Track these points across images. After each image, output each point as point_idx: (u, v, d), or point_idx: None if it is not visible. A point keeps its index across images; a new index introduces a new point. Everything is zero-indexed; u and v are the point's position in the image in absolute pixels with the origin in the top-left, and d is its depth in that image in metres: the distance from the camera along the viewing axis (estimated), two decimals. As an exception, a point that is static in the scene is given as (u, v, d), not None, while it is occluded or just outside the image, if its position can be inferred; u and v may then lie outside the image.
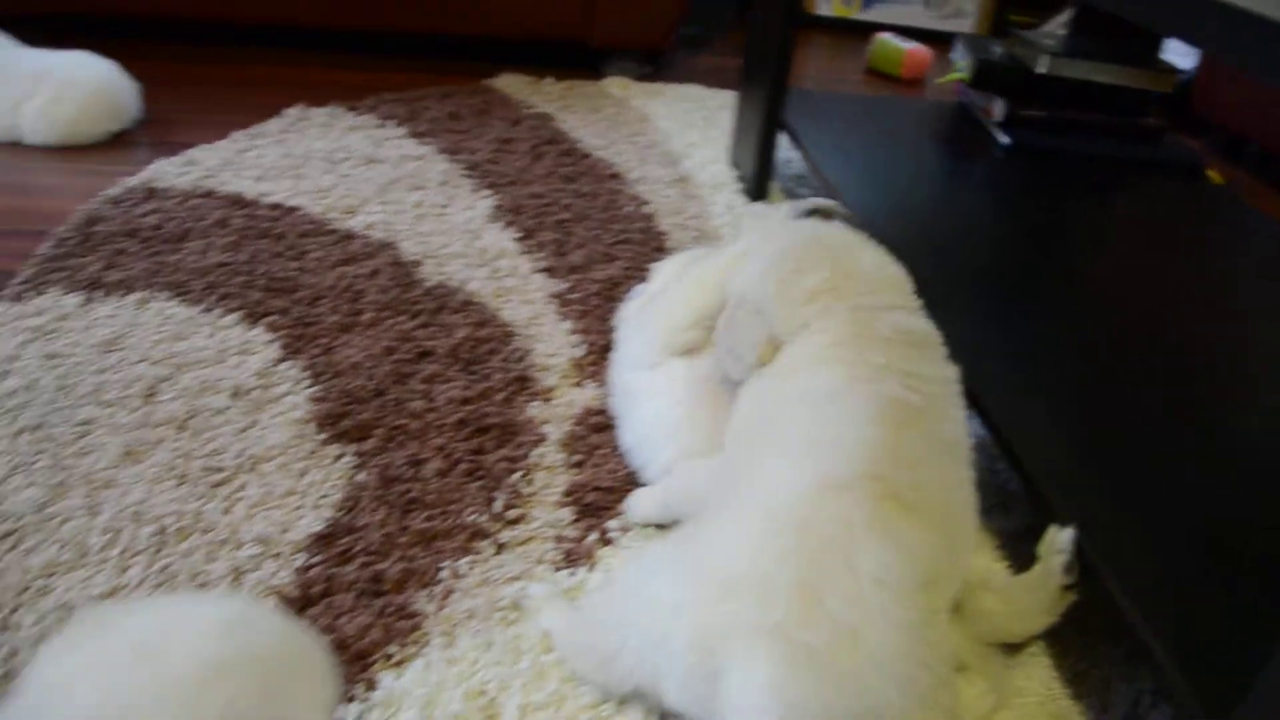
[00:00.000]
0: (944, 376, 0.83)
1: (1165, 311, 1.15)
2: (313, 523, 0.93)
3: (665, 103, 2.13)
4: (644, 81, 2.26)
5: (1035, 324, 1.09)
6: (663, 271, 1.20)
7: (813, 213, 1.13)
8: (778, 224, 1.04)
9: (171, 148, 1.67)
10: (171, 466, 0.98)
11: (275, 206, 1.49)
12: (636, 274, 1.37)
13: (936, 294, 1.08)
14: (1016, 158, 1.57)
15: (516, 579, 0.89)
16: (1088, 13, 1.73)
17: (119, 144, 1.71)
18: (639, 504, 0.97)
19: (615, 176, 1.72)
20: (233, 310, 1.23)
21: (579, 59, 2.29)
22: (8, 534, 0.89)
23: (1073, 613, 0.82)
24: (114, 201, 1.46)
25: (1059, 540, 0.80)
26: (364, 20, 2.15)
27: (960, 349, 0.91)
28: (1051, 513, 0.83)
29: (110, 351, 1.13)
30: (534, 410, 1.11)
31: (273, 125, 1.80)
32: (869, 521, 0.70)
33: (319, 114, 1.87)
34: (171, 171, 1.58)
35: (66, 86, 1.66)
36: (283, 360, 1.15)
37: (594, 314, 1.29)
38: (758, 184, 1.68)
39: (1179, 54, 2.30)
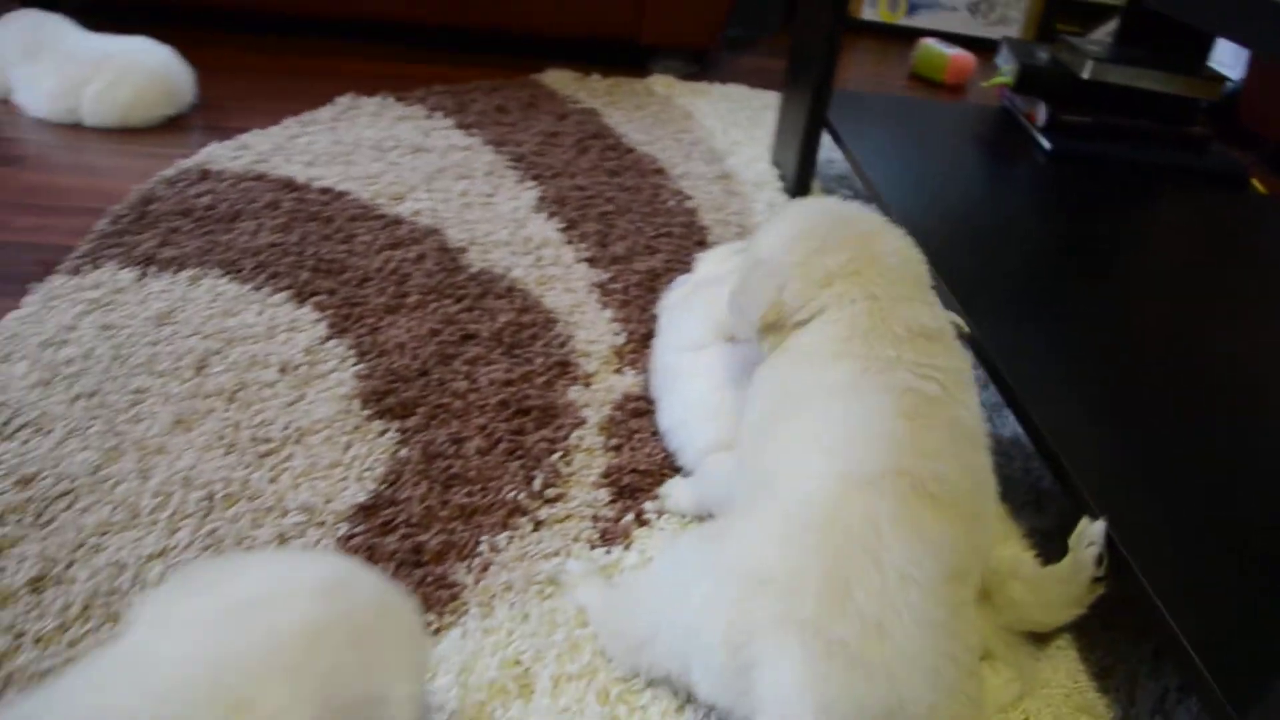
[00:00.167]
0: (957, 367, 0.83)
1: (1203, 318, 1.16)
2: (356, 494, 0.96)
3: (710, 101, 2.14)
4: (689, 80, 2.27)
5: (1071, 326, 1.09)
6: (706, 261, 1.22)
7: None
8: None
9: (225, 132, 1.71)
10: (220, 435, 1.01)
11: (325, 191, 1.52)
12: (678, 266, 1.38)
13: (973, 293, 1.10)
14: (1058, 163, 1.57)
15: (554, 555, 0.91)
16: (1135, 20, 1.73)
17: (174, 128, 1.75)
18: (675, 495, 0.99)
19: (659, 171, 1.73)
20: (282, 289, 1.26)
21: (625, 57, 2.31)
22: (63, 494, 0.92)
23: (1100, 609, 0.83)
24: (169, 182, 1.50)
25: (1090, 532, 0.80)
26: (415, 14, 2.19)
27: (997, 348, 0.92)
28: (1084, 508, 0.83)
29: (163, 325, 1.17)
30: (574, 394, 1.13)
31: (324, 113, 1.83)
32: (894, 517, 0.71)
33: (369, 103, 1.90)
34: (225, 155, 1.61)
35: (126, 71, 1.71)
36: (329, 338, 1.17)
37: (635, 304, 1.31)
38: (799, 183, 1.70)
39: (1227, 66, 2.29)
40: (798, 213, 0.96)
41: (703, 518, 0.96)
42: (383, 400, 1.08)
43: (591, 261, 1.41)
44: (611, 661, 0.81)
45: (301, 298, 1.24)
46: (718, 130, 1.97)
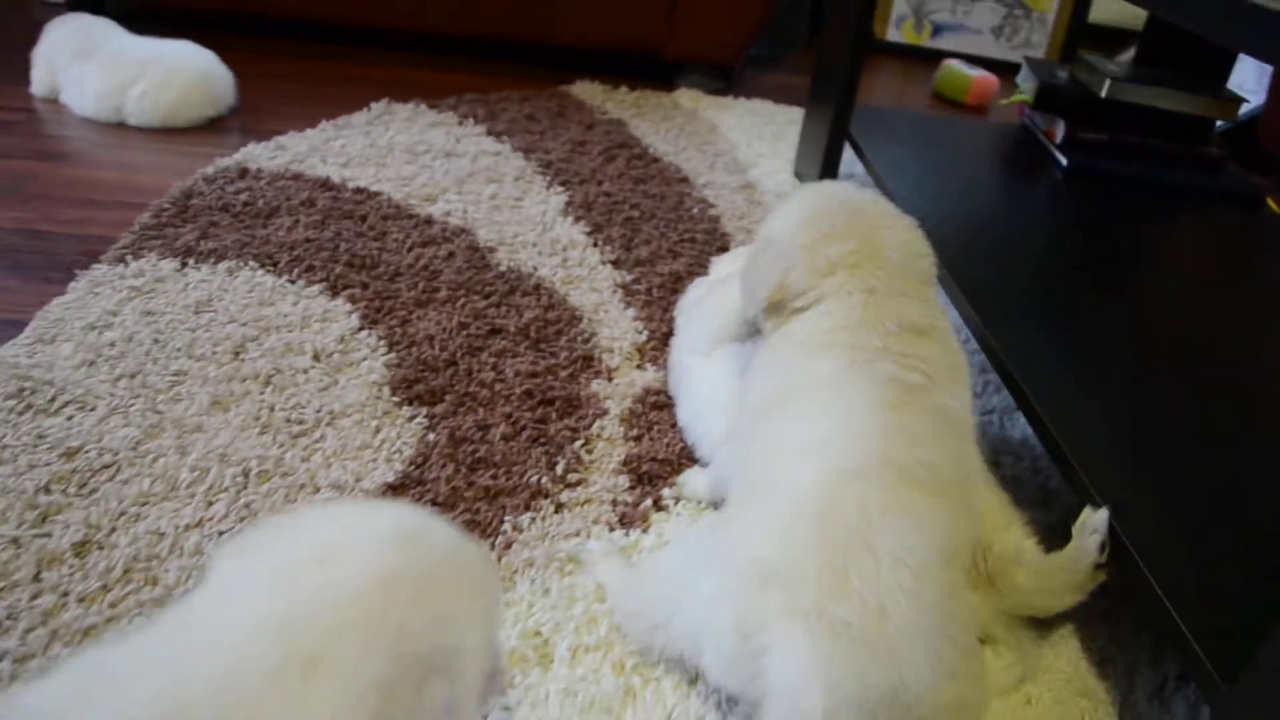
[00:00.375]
0: (947, 361, 0.86)
1: (1212, 330, 1.18)
2: (385, 474, 0.99)
3: (735, 115, 2.18)
4: (714, 95, 2.32)
5: (1081, 333, 1.12)
6: (721, 264, 1.26)
7: None
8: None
9: (263, 134, 1.76)
10: (256, 416, 1.05)
11: (359, 190, 1.57)
12: (700, 270, 1.42)
13: (988, 301, 1.13)
14: (1075, 179, 1.60)
15: (574, 535, 0.95)
16: (1153, 42, 1.76)
17: (214, 129, 1.81)
18: (692, 484, 1.03)
19: (683, 180, 1.77)
20: (316, 281, 1.30)
21: (652, 71, 2.36)
22: (106, 466, 0.96)
23: (1101, 601, 0.85)
24: (208, 179, 1.55)
25: (1093, 520, 0.83)
26: (449, 25, 2.24)
27: (1009, 353, 0.95)
28: (1088, 499, 0.86)
29: (202, 312, 1.21)
30: (597, 387, 1.17)
31: (358, 118, 1.88)
32: (884, 505, 0.74)
33: (402, 109, 1.95)
34: (262, 155, 1.66)
35: (170, 74, 1.77)
36: (361, 329, 1.21)
37: (657, 304, 1.35)
38: (821, 194, 1.73)
39: (1249, 91, 2.31)
40: (811, 196, 0.98)
41: (717, 505, 1.00)
42: (412, 388, 1.12)
43: (616, 264, 1.45)
44: (627, 639, 0.84)
45: (335, 290, 1.29)
46: (742, 143, 2.01)
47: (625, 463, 1.05)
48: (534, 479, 1.01)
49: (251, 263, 1.32)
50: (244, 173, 1.59)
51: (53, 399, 1.04)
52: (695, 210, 1.66)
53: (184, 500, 0.93)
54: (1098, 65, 1.65)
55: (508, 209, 1.58)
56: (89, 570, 0.84)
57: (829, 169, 1.76)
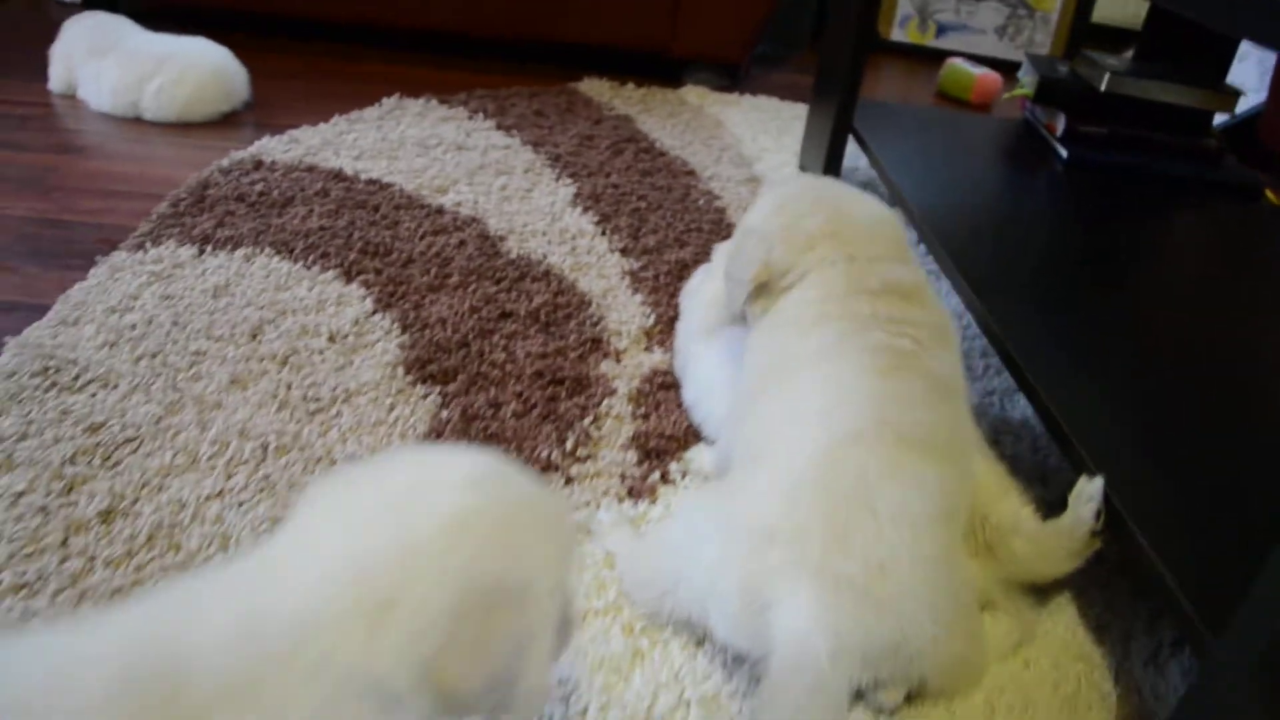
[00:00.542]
0: (933, 321, 0.90)
1: (1209, 317, 1.21)
2: (399, 449, 1.02)
3: (740, 112, 2.21)
4: (720, 92, 2.35)
5: (1080, 320, 1.14)
6: (723, 251, 1.29)
7: None
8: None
9: (276, 128, 1.79)
10: (274, 394, 1.08)
11: (372, 182, 1.60)
12: (706, 259, 1.44)
13: (990, 290, 1.16)
14: (1075, 171, 1.62)
15: (584, 506, 0.97)
16: (1153, 37, 1.78)
17: (228, 124, 1.84)
18: (699, 460, 1.05)
19: (690, 173, 1.80)
20: (331, 268, 1.33)
21: (659, 69, 2.39)
22: (129, 440, 0.99)
23: (1099, 570, 0.88)
24: (224, 171, 1.58)
25: (1089, 489, 0.85)
26: (459, 23, 2.28)
27: (1010, 338, 0.98)
28: (1084, 470, 0.88)
29: (219, 296, 1.24)
30: (606, 367, 1.19)
31: (370, 113, 1.92)
32: (881, 466, 0.77)
33: (414, 104, 1.98)
34: (276, 148, 1.70)
35: (186, 69, 1.80)
36: (375, 312, 1.24)
37: (664, 290, 1.37)
38: (825, 187, 1.76)
39: (1250, 88, 2.33)
40: (782, 188, 1.06)
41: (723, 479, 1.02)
42: (425, 368, 1.15)
43: (624, 252, 1.48)
44: (636, 605, 0.87)
45: (349, 276, 1.31)
46: (747, 138, 2.04)
47: (633, 439, 1.08)
48: (545, 454, 1.03)
49: (267, 249, 1.35)
50: (259, 165, 1.62)
51: (76, 377, 1.06)
52: (701, 201, 1.69)
53: (205, 472, 0.96)
54: (1097, 60, 1.67)
55: (517, 200, 1.61)
56: (114, 536, 0.87)
57: (833, 163, 1.78)
